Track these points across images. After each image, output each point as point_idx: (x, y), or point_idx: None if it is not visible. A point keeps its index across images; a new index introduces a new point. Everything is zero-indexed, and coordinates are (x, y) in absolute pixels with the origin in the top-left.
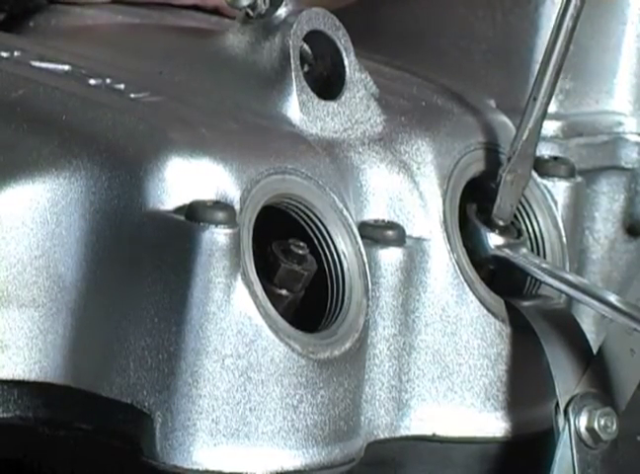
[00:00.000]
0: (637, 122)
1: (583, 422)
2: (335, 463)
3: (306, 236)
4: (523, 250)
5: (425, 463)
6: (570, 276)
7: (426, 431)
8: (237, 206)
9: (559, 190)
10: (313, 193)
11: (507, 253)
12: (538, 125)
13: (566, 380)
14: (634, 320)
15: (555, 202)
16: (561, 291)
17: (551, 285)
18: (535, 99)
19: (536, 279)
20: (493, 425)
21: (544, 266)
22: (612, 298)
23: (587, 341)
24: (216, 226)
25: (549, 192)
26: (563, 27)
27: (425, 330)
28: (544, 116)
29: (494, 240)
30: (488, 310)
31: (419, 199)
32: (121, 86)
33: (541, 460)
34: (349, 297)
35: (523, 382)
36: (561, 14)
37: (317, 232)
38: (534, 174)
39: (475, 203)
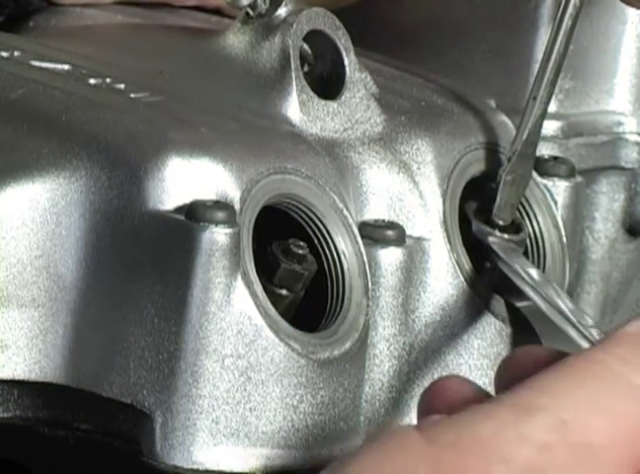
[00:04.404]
0: (637, 122)
1: None
2: None
3: (306, 236)
4: (516, 255)
5: None
6: (553, 295)
7: None
8: (237, 206)
9: (559, 189)
10: (313, 192)
11: (498, 256)
12: (538, 125)
13: None
14: None
15: (555, 202)
16: (538, 307)
17: (531, 298)
18: (535, 98)
19: None
20: None
21: (527, 278)
22: (591, 327)
23: None
24: (216, 226)
25: (549, 191)
26: (562, 26)
27: (425, 330)
28: (544, 115)
29: (490, 238)
30: (488, 310)
31: (419, 199)
32: (122, 86)
33: None
34: (349, 297)
35: None
36: (560, 13)
37: (317, 232)
38: (534, 174)
39: (475, 202)
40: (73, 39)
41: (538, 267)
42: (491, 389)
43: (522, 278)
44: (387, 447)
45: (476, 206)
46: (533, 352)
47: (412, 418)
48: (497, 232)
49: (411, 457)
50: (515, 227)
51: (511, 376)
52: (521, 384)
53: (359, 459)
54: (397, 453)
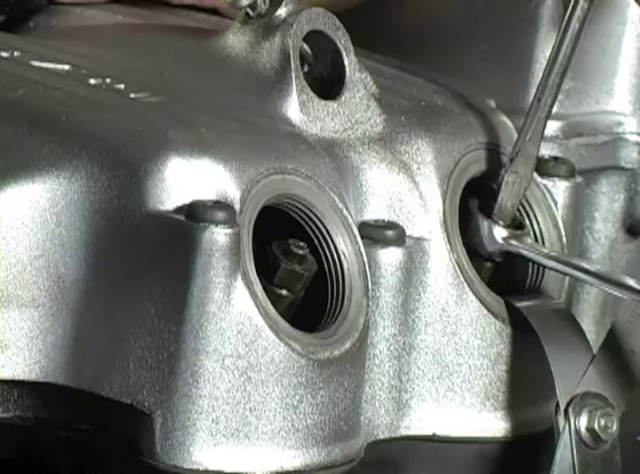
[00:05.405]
0: (637, 122)
1: (583, 422)
2: (335, 463)
3: (306, 236)
4: (529, 240)
5: (425, 463)
6: (583, 264)
7: (426, 431)
8: (237, 206)
9: (559, 190)
10: (313, 193)
11: (514, 244)
12: (541, 126)
13: (566, 380)
14: None
15: (555, 202)
16: (575, 278)
17: (564, 273)
18: (539, 100)
19: (536, 279)
20: (493, 425)
21: (553, 254)
22: (628, 280)
23: (587, 341)
24: (216, 226)
25: (549, 192)
26: (569, 28)
27: (425, 330)
28: (548, 117)
29: (500, 233)
30: (488, 310)
31: (419, 199)
32: (121, 86)
33: (541, 460)
34: (349, 297)
35: (523, 382)
36: (568, 16)
37: (317, 232)
38: (535, 174)
39: (477, 199)
40: (73, 39)
41: (538, 267)
42: (490, 389)
43: (550, 256)
44: None
45: (478, 202)
46: None
47: (412, 418)
48: (509, 230)
49: None
50: (517, 225)
51: None
52: None
53: None
54: None
